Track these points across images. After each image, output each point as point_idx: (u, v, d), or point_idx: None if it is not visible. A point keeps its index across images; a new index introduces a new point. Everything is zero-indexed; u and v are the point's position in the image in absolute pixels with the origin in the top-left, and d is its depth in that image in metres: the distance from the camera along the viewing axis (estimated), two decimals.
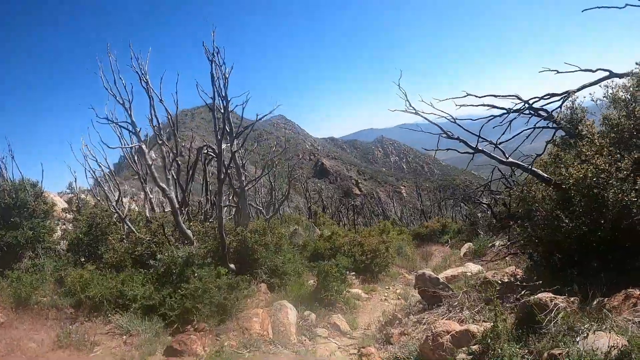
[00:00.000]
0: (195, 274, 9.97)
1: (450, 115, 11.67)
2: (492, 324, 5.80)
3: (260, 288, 12.31)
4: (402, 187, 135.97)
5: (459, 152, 11.89)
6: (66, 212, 20.78)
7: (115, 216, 15.39)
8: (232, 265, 12.37)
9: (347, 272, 14.18)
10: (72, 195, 22.21)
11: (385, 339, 9.16)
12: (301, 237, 20.66)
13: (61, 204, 22.47)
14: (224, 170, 11.90)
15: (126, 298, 9.87)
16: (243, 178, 14.39)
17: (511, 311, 7.18)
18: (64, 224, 19.75)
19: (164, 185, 12.39)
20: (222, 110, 11.37)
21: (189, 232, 12.73)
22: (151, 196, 15.69)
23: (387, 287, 15.97)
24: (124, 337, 9.08)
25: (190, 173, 14.51)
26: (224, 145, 11.45)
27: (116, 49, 12.09)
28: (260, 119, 12.96)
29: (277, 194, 19.30)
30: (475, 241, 18.79)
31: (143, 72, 12.19)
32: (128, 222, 14.33)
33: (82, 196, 22.64)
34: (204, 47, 10.96)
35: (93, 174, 16.36)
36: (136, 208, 21.69)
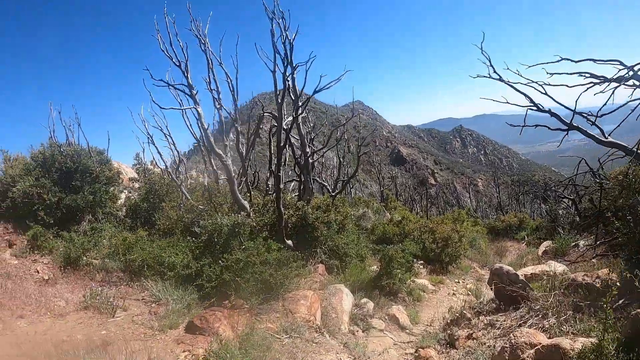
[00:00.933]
0: (243, 245, 8.96)
1: (540, 85, 10.11)
2: (592, 339, 4.44)
3: (317, 269, 11.23)
4: (478, 180, 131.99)
5: (549, 128, 10.46)
6: (134, 182, 20.64)
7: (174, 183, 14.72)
8: (289, 242, 11.37)
9: (415, 259, 12.87)
10: (139, 165, 22.03)
11: (449, 340, 7.88)
12: (370, 220, 19.60)
13: (131, 174, 22.42)
14: (284, 139, 10.79)
15: (164, 265, 9.05)
16: (308, 150, 13.24)
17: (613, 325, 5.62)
18: (130, 192, 19.66)
19: (219, 151, 11.47)
20: (282, 70, 10.17)
21: (245, 203, 11.78)
22: (215, 168, 14.83)
23: (456, 280, 14.64)
24: (153, 305, 8.32)
25: (251, 140, 13.44)
26: (288, 116, 10.43)
27: (174, 12, 11.25)
28: (327, 87, 11.64)
29: (345, 170, 18.13)
30: (556, 239, 16.86)
31: (202, 34, 11.29)
32: (183, 189, 13.56)
33: (150, 166, 22.42)
34: (263, 5, 9.89)
35: (152, 141, 15.73)
36: (202, 179, 21.17)
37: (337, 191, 15.12)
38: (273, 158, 13.27)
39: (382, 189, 38.97)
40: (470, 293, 12.90)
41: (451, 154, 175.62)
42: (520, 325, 7.15)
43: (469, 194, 69.85)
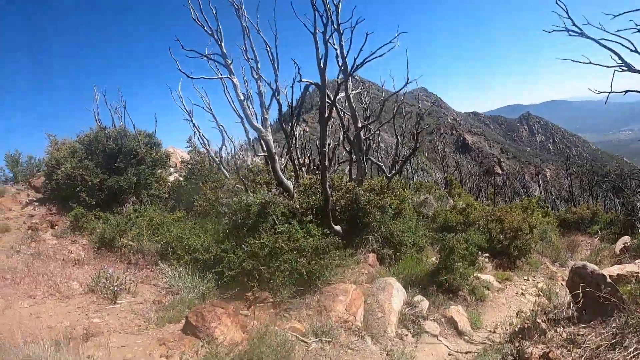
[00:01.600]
0: (277, 229, 7.69)
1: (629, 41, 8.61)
2: None
3: (367, 258, 9.90)
4: (547, 169, 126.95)
5: None
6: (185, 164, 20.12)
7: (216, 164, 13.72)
8: (337, 227, 10.09)
9: (479, 252, 11.27)
10: (191, 148, 21.44)
11: (517, 357, 6.32)
12: (432, 207, 17.97)
13: (186, 157, 22.01)
14: (329, 109, 9.38)
15: (186, 248, 7.89)
16: (360, 125, 11.82)
17: None
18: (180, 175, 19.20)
19: (258, 125, 10.25)
20: (322, 30, 8.72)
21: (288, 182, 10.55)
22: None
23: (525, 277, 12.92)
24: (164, 293, 7.34)
25: (295, 113, 12.05)
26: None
27: None
28: (379, 55, 10.18)
29: (404, 151, 16.62)
30: (637, 235, 14.80)
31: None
32: (223, 168, 12.48)
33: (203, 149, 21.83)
34: None
35: (190, 118, 14.76)
36: (254, 161, 20.26)
37: (393, 172, 13.53)
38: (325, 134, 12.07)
39: (445, 174, 37.00)
40: (541, 294, 11.31)
41: (518, 142, 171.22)
42: (613, 347, 5.52)
43: (538, 183, 66.38)
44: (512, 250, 13.55)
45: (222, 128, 15.49)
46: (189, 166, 15.39)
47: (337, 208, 10.63)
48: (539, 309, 9.13)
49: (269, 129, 10.49)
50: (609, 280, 7.67)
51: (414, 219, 12.49)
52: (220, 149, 15.88)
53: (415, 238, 11.11)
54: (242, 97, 10.13)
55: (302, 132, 21.20)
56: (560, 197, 64.21)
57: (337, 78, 10.56)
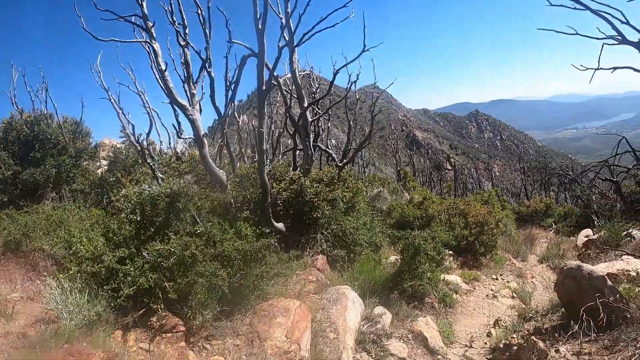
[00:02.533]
0: (197, 229, 5.90)
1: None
2: None
3: (315, 261, 8.24)
4: (495, 165, 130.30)
5: (634, 70, 7.86)
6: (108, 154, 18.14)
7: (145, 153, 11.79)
8: (279, 224, 8.46)
9: (445, 250, 9.85)
10: (126, 138, 19.47)
11: None
12: (386, 201, 16.77)
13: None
14: (268, 80, 7.63)
15: (74, 256, 5.76)
16: (306, 104, 10.14)
17: None
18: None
19: (184, 102, 8.43)
20: None
21: (220, 172, 8.81)
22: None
23: (493, 276, 11.63)
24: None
25: (231, 89, 10.12)
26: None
27: None
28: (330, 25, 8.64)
29: (355, 134, 15.07)
30: (605, 228, 13.89)
31: None
32: (148, 158, 10.61)
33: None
34: None
35: (109, 97, 12.79)
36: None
37: (345, 161, 11.82)
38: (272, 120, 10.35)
39: (398, 168, 35.88)
40: (515, 295, 10.06)
41: (467, 139, 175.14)
42: None
43: (492, 178, 66.64)
44: (477, 247, 12.27)
45: (149, 111, 13.52)
46: (111, 156, 13.39)
47: (280, 202, 8.96)
48: (519, 315, 7.90)
49: (197, 107, 8.66)
50: (609, 283, 6.39)
51: (369, 214, 10.93)
52: (148, 134, 13.93)
53: (371, 236, 9.51)
54: (162, 67, 8.26)
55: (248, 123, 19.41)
56: (510, 192, 65.13)
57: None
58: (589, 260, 12.16)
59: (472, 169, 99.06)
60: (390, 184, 20.97)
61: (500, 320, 7.82)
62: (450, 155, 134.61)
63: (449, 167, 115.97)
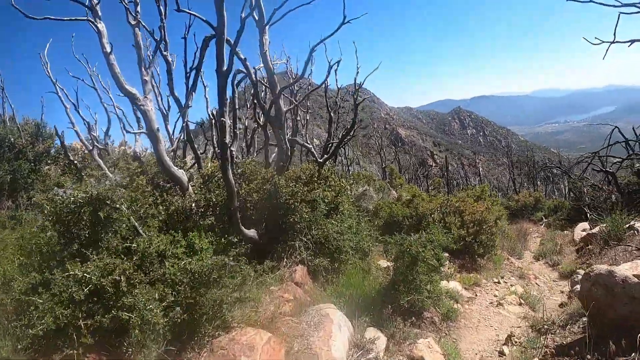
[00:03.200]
0: (138, 243, 4.55)
1: None
2: None
3: (293, 273, 7.01)
4: (478, 161, 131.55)
5: None
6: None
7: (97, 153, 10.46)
8: (250, 232, 7.26)
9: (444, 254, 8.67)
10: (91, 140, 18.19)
11: None
12: (372, 200, 15.64)
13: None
14: (229, 59, 6.32)
15: None
16: (279, 89, 8.85)
17: None
18: None
19: (134, 91, 7.12)
20: None
21: (179, 172, 7.51)
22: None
23: (495, 279, 10.46)
24: None
25: (192, 75, 8.75)
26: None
27: None
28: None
29: (337, 129, 13.85)
30: (605, 221, 12.89)
31: None
32: (99, 159, 9.30)
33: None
34: None
35: (56, 91, 11.53)
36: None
37: (326, 157, 10.44)
38: (236, 112, 9.14)
39: (383, 165, 34.74)
40: (523, 301, 8.87)
41: (450, 135, 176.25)
42: None
43: (479, 174, 65.98)
44: (476, 248, 11.13)
45: (106, 106, 12.23)
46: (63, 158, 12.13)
47: (250, 205, 7.72)
48: (531, 327, 6.78)
49: (150, 96, 7.35)
50: None
51: (355, 215, 9.71)
52: (106, 133, 12.64)
53: (358, 240, 8.24)
54: (107, 49, 6.95)
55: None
56: (496, 187, 64.82)
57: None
58: (593, 256, 11.41)
59: (459, 165, 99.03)
60: (376, 182, 19.80)
61: (513, 335, 6.67)
62: (434, 152, 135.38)
63: (433, 164, 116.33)
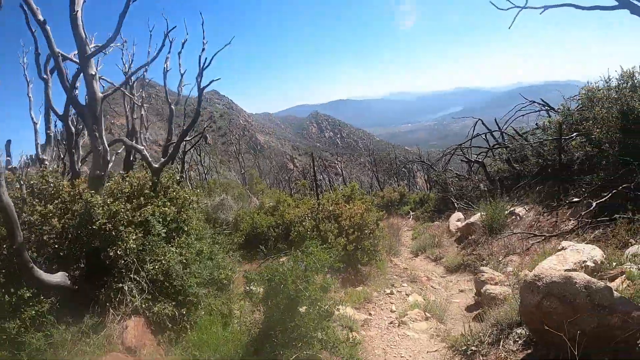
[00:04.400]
0: None
1: None
2: None
3: (124, 331, 4.72)
4: (337, 162, 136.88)
5: (575, 6, 5.88)
6: None
7: None
8: (55, 277, 5.15)
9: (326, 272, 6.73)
10: None
11: None
12: (231, 210, 13.80)
13: None
14: None
15: None
16: (91, 49, 6.36)
17: None
18: None
19: None
20: None
21: None
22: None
23: (386, 290, 8.97)
24: None
25: None
26: None
27: None
28: None
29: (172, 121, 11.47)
30: (485, 209, 12.24)
31: None
32: None
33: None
34: None
35: None
36: None
37: (163, 161, 7.80)
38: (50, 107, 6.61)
39: (243, 171, 32.77)
40: (427, 314, 7.41)
41: (308, 139, 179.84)
42: None
43: (342, 174, 66.52)
44: (360, 256, 9.50)
45: None
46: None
47: (54, 236, 5.28)
48: (451, 349, 5.20)
49: None
50: (617, 294, 3.89)
51: (208, 233, 7.53)
52: None
53: (212, 270, 6.09)
54: None
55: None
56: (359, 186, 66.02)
57: None
58: (479, 246, 10.99)
59: (320, 167, 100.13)
60: (234, 189, 17.80)
61: None
62: (294, 156, 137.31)
63: (292, 167, 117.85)
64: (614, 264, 6.07)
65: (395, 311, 7.71)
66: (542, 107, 15.75)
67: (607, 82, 10.35)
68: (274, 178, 46.92)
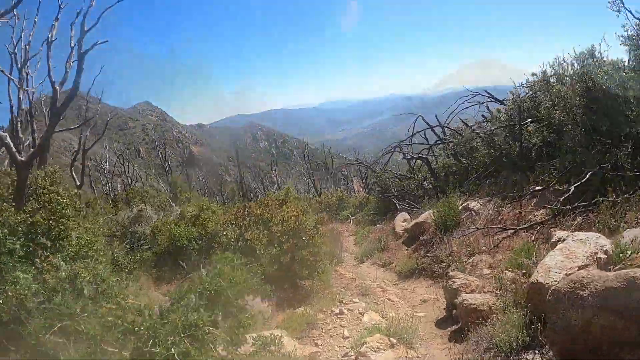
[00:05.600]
0: None
1: None
2: None
3: None
4: (272, 172, 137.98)
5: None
6: None
7: None
8: None
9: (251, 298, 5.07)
10: None
11: None
12: (150, 221, 12.38)
13: None
14: None
15: None
16: None
17: None
18: None
19: None
20: None
21: None
22: None
23: (333, 307, 7.35)
24: None
25: None
26: None
27: None
28: None
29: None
30: (437, 205, 11.50)
31: None
32: None
33: None
34: None
35: None
36: None
37: (33, 152, 5.82)
38: None
39: (169, 179, 31.02)
40: (392, 339, 5.74)
41: (243, 149, 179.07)
42: None
43: (277, 182, 65.47)
44: (298, 270, 7.86)
45: None
46: None
47: None
48: None
49: None
50: None
51: (108, 253, 5.74)
52: None
53: (83, 305, 4.26)
54: None
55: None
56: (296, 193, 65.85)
57: None
58: (434, 246, 10.02)
59: (256, 178, 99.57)
60: (155, 198, 16.03)
61: None
62: (229, 167, 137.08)
63: (228, 179, 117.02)
64: (629, 252, 4.85)
65: (348, 337, 6.15)
66: (488, 100, 15.15)
67: (561, 64, 9.73)
68: (206, 188, 45.41)
